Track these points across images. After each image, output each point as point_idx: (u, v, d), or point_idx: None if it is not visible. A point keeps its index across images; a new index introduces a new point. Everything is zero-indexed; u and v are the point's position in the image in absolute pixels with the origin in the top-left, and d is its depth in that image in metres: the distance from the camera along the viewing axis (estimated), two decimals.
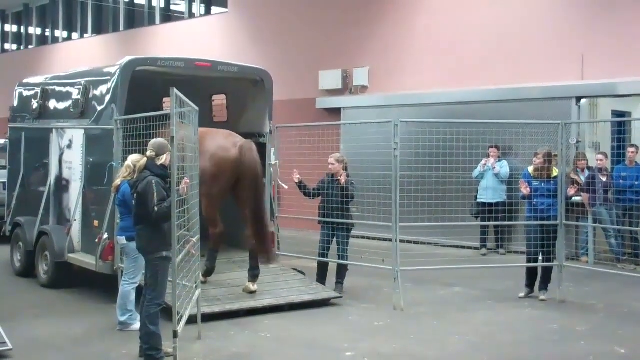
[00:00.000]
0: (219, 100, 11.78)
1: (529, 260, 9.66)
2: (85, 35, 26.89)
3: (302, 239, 12.28)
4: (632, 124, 12.77)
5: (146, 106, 9.49)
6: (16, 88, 12.69)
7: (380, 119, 11.02)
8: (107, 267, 9.13)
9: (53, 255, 10.07)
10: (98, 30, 26.34)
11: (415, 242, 11.74)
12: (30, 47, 30.02)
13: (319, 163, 10.33)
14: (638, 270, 10.92)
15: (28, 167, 11.77)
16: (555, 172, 9.61)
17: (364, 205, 10.65)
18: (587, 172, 12.07)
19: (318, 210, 9.97)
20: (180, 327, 6.78)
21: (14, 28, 31.39)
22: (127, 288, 7.97)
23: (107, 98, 9.58)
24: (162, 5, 23.26)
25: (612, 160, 12.29)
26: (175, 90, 6.75)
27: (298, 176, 9.87)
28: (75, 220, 9.99)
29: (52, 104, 11.19)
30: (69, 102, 10.52)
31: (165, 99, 11.41)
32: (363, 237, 12.43)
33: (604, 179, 11.62)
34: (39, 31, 29.66)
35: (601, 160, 11.76)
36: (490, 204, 12.36)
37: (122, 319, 7.97)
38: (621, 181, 11.59)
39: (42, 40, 29.24)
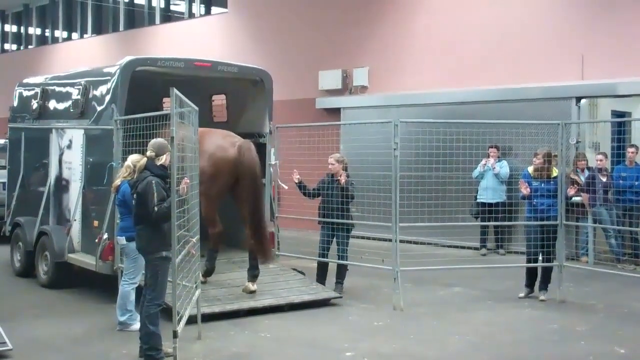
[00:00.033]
0: (219, 100, 11.78)
1: (528, 261, 9.66)
2: (85, 36, 26.89)
3: (302, 239, 12.28)
4: (632, 124, 12.77)
5: (146, 106, 9.49)
6: (16, 88, 12.69)
7: (380, 119, 11.02)
8: (107, 267, 9.13)
9: (53, 256, 10.07)
10: (98, 30, 26.34)
11: (415, 242, 11.75)
12: (30, 47, 30.02)
13: (318, 163, 10.33)
14: (638, 270, 10.92)
15: (28, 167, 11.78)
16: (555, 172, 9.61)
17: (363, 205, 10.64)
18: (587, 172, 12.07)
19: (318, 211, 9.96)
20: (180, 327, 6.78)
21: (14, 28, 31.39)
22: (127, 288, 7.97)
23: (107, 98, 9.58)
24: (162, 5, 23.26)
25: (612, 160, 12.29)
26: (175, 91, 6.75)
27: (298, 176, 9.87)
28: (75, 220, 9.99)
29: (52, 104, 11.19)
30: (69, 102, 10.52)
31: (165, 99, 11.42)
32: (363, 237, 12.42)
33: (604, 179, 11.62)
34: (38, 31, 29.66)
35: (601, 160, 11.75)
36: (490, 204, 12.37)
37: (122, 319, 7.97)
38: (621, 181, 11.58)
39: (42, 41, 29.24)
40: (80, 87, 10.17)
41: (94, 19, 26.33)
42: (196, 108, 7.84)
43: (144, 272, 7.29)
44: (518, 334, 8.06)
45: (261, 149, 10.34)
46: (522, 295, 9.66)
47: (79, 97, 10.16)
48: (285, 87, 15.28)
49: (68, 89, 10.67)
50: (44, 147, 10.98)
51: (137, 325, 7.50)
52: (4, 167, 13.19)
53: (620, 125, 12.55)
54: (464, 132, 11.00)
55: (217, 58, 11.83)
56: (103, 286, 9.57)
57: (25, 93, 12.24)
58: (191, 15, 22.46)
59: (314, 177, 10.15)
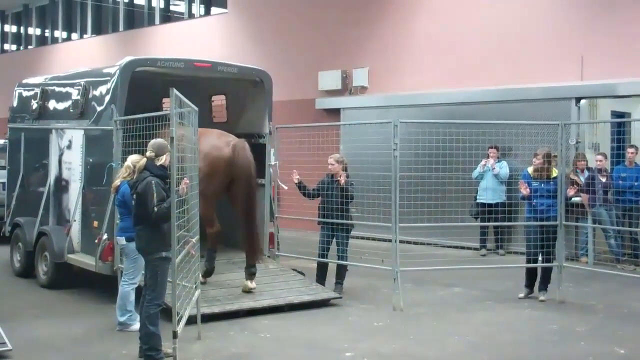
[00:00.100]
0: (219, 100, 11.79)
1: (528, 261, 9.66)
2: (85, 36, 26.89)
3: (301, 240, 12.29)
4: (631, 124, 12.76)
5: (146, 107, 9.49)
6: (16, 88, 12.69)
7: (380, 120, 11.03)
8: (106, 268, 9.12)
9: (53, 256, 10.07)
10: (98, 30, 26.33)
11: (415, 243, 11.74)
12: (29, 47, 30.01)
13: (318, 163, 10.33)
14: (637, 270, 10.93)
15: (28, 168, 11.78)
16: (554, 172, 9.61)
17: (363, 205, 10.65)
18: (586, 173, 12.07)
19: (318, 211, 9.96)
20: (179, 328, 6.78)
21: (14, 28, 31.39)
22: (127, 288, 7.97)
23: (107, 98, 9.58)
24: (162, 5, 23.26)
25: (611, 160, 12.30)
26: (175, 91, 6.76)
27: (297, 177, 9.87)
28: (74, 220, 9.99)
29: (52, 104, 11.19)
30: (69, 103, 10.52)
31: (164, 100, 11.42)
32: (363, 238, 12.41)
33: (604, 180, 11.62)
34: (38, 31, 29.65)
35: (601, 160, 11.75)
36: (490, 205, 12.36)
37: (122, 319, 7.97)
38: (621, 182, 11.58)
39: (42, 41, 29.24)
40: (80, 87, 10.17)
41: (94, 19, 26.33)
42: (196, 108, 7.84)
43: (143, 272, 7.29)
44: (518, 334, 8.06)
45: (261, 150, 10.35)
46: (521, 295, 9.66)
47: (78, 97, 10.16)
48: (285, 87, 15.29)
49: (68, 89, 10.67)
50: (44, 147, 10.97)
51: (136, 326, 7.50)
52: (3, 168, 13.20)
53: (620, 126, 12.54)
54: (463, 133, 10.99)
55: (216, 58, 11.82)
56: (103, 286, 9.56)
57: (25, 93, 12.24)
58: (191, 15, 22.46)
59: (314, 177, 10.15)
